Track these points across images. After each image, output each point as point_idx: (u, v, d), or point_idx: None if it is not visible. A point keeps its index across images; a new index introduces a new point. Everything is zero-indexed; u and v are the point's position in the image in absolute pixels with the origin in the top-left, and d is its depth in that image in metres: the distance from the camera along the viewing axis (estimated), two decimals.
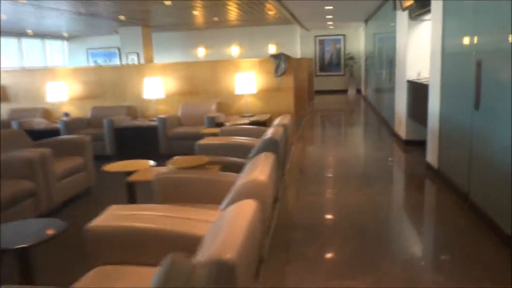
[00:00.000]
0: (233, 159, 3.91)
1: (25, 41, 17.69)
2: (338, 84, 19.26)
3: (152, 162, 4.54)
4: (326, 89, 19.08)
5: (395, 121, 8.42)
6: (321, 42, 19.18)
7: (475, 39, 4.13)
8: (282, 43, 18.59)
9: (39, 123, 7.96)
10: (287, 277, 3.18)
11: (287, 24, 17.33)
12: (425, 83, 6.27)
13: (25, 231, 2.64)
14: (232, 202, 2.34)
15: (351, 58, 18.80)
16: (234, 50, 19.02)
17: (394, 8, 8.14)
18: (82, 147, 5.50)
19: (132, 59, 16.79)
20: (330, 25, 16.86)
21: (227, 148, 4.56)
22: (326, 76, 19.36)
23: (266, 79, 7.78)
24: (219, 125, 7.04)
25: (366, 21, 15.54)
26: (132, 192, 3.97)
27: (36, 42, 18.56)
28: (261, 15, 14.58)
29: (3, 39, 16.11)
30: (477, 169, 4.15)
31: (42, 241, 2.46)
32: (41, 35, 17.98)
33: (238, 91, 7.59)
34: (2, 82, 8.45)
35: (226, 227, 1.67)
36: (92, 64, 20.01)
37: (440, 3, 5.23)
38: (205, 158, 3.71)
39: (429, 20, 6.18)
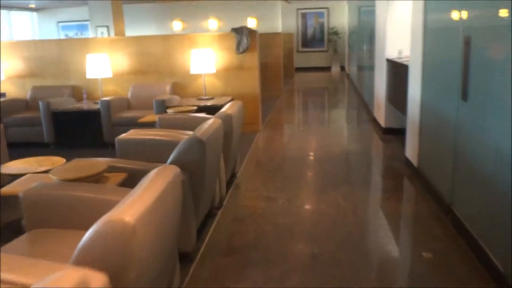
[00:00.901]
0: (144, 165, 2.99)
1: None
2: (321, 60, 18.25)
3: (63, 161, 3.63)
4: (309, 66, 18.08)
5: (374, 105, 7.53)
6: (304, 16, 18.08)
7: (464, 13, 3.20)
8: (262, 16, 17.44)
9: None
10: None
11: None
12: (405, 63, 5.36)
13: None
14: (85, 250, 1.57)
15: (335, 33, 17.75)
16: (212, 23, 17.84)
17: None
18: None
19: (102, 33, 15.64)
20: None
21: (151, 146, 3.65)
22: (309, 52, 18.33)
23: (227, 57, 6.81)
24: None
25: None
26: None
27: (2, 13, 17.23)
28: None
29: None
30: (463, 174, 3.28)
31: None
32: (6, 6, 16.66)
33: (194, 70, 6.61)
34: None
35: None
36: (63, 38, 18.73)
37: None
38: (103, 165, 2.79)
39: None
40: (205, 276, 2.88)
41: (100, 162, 2.85)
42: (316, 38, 18.18)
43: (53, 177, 2.65)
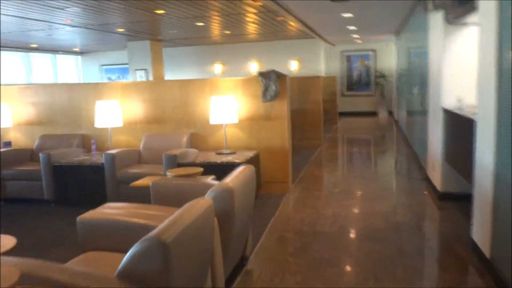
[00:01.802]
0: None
1: (33, 55, 16.52)
2: (367, 105, 17.11)
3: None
4: (354, 111, 16.97)
5: (428, 161, 6.33)
6: (348, 59, 17.13)
7: None
8: (305, 59, 16.67)
9: None
10: None
11: (309, 38, 15.44)
12: (469, 116, 4.23)
13: None
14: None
15: (382, 76, 16.64)
16: (253, 66, 17.19)
17: (426, 9, 6.13)
18: None
19: (140, 76, 15.33)
20: (357, 38, 14.82)
21: (118, 231, 2.69)
22: (354, 96, 17.25)
23: (252, 105, 5.90)
24: (182, 166, 5.19)
25: (397, 32, 13.46)
26: None
27: (46, 56, 17.42)
28: (278, 28, 12.78)
29: (9, 53, 15.07)
30: None
31: None
32: (51, 49, 16.79)
33: (213, 120, 5.72)
34: None
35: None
36: (106, 81, 18.66)
37: None
38: None
39: (475, 24, 4.18)
40: None
41: None
42: (362, 81, 17.13)
43: None
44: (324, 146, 10.07)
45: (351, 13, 8.88)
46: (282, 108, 5.81)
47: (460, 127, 4.68)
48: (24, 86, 7.43)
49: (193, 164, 5.23)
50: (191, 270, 2.23)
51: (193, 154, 5.70)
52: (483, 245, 3.54)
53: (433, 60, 5.99)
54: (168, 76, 16.45)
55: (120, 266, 1.91)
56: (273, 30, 13.35)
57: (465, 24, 5.00)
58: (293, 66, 16.77)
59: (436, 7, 5.14)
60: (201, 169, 4.33)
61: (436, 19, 5.54)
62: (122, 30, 11.98)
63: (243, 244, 3.54)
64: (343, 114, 16.08)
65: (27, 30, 10.96)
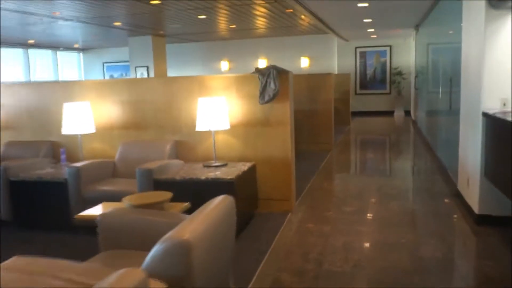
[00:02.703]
0: None
1: (33, 52, 15.71)
2: (382, 104, 15.97)
3: None
4: (368, 110, 15.87)
5: (460, 175, 5.28)
6: (363, 55, 16.01)
7: None
8: (316, 55, 15.64)
9: None
10: None
11: (321, 33, 14.40)
12: None
13: None
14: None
15: (399, 73, 15.49)
16: (261, 63, 16.17)
17: None
18: None
19: (142, 74, 14.44)
20: (372, 33, 13.71)
21: None
22: (369, 94, 16.14)
23: (248, 107, 4.91)
24: (160, 184, 4.24)
25: (416, 27, 12.34)
26: None
27: (47, 54, 16.63)
28: (289, 22, 11.76)
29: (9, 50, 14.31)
30: None
31: None
32: (51, 46, 15.96)
33: (200, 126, 4.73)
34: None
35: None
36: (107, 78, 17.80)
37: None
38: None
39: None
40: None
41: None
42: (377, 79, 16.01)
43: None
44: (335, 151, 9.02)
45: (367, 2, 7.82)
46: (283, 110, 4.80)
47: (506, 136, 3.65)
48: None
49: (171, 182, 4.26)
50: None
51: (176, 167, 4.72)
52: None
53: (468, 54, 4.92)
54: (172, 74, 15.52)
55: None
56: (283, 25, 12.37)
57: None
58: (304, 64, 15.75)
59: None
60: (169, 195, 3.32)
61: (475, 4, 4.48)
62: (119, 23, 11.08)
63: None
64: (356, 113, 14.99)
65: (26, 24, 10.14)
